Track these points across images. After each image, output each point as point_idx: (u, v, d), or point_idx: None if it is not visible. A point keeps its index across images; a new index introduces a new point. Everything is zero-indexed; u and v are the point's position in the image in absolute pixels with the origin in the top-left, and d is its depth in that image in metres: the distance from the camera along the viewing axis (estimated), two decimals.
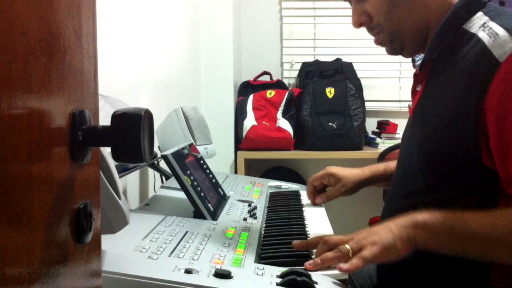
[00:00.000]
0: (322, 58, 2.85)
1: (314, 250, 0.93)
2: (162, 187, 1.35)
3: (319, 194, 1.29)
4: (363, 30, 1.03)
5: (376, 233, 0.84)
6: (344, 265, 0.81)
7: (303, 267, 0.81)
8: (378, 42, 1.01)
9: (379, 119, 2.83)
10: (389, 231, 0.83)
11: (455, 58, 0.88)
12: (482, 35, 0.84)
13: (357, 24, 1.00)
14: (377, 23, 0.97)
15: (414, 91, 1.02)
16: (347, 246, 0.83)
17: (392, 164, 1.21)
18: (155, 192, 1.41)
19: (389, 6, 0.95)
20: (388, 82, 2.96)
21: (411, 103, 1.04)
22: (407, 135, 1.03)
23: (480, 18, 0.88)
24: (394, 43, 0.99)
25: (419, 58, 1.06)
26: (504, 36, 0.81)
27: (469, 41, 0.86)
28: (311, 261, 0.84)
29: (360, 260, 0.81)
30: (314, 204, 1.28)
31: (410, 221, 0.83)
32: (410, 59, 1.11)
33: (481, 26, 0.87)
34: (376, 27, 0.98)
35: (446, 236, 0.82)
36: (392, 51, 1.01)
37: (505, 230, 0.79)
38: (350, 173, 1.25)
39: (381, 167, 1.26)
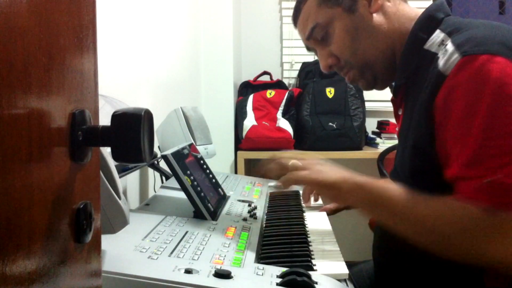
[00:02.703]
0: None
1: (314, 251, 0.93)
2: (162, 187, 1.35)
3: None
4: None
5: (326, 170, 0.91)
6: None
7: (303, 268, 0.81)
8: (350, 80, 1.02)
9: (379, 119, 2.82)
10: (335, 174, 0.89)
11: (422, 80, 0.87)
12: (440, 54, 0.83)
13: (327, 67, 1.02)
14: (345, 61, 0.99)
15: (396, 115, 1.03)
16: (293, 161, 0.92)
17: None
18: (155, 192, 1.41)
19: (351, 41, 0.95)
20: None
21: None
22: (397, 159, 1.02)
23: (438, 36, 0.88)
24: (365, 77, 0.99)
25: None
26: (451, 50, 0.80)
27: (432, 61, 0.85)
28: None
29: (292, 176, 0.89)
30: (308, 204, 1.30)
31: (353, 178, 0.88)
32: None
33: (440, 44, 0.86)
34: (345, 66, 1.00)
35: (372, 202, 0.86)
36: (366, 85, 1.02)
37: (420, 214, 0.80)
38: None
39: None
